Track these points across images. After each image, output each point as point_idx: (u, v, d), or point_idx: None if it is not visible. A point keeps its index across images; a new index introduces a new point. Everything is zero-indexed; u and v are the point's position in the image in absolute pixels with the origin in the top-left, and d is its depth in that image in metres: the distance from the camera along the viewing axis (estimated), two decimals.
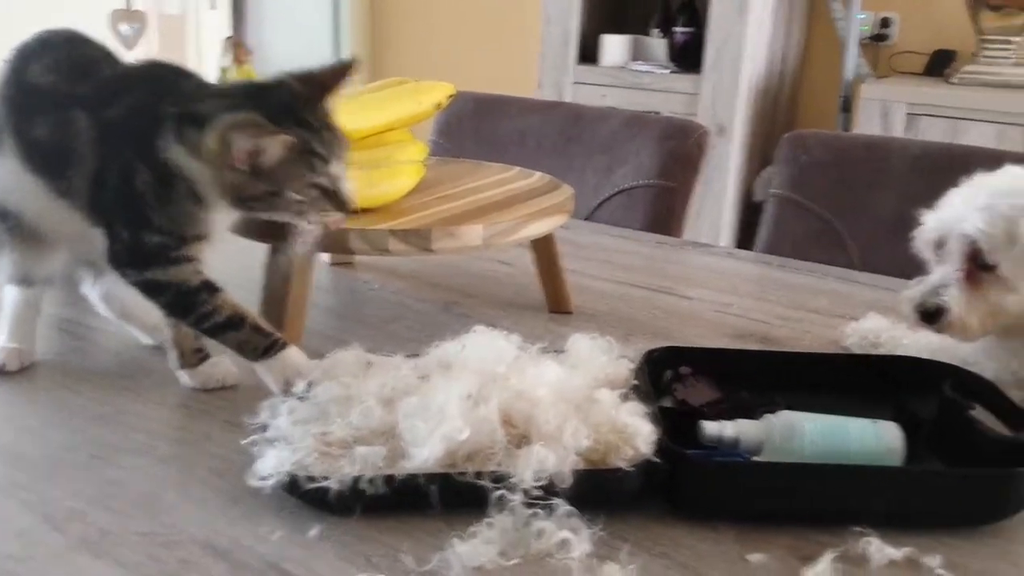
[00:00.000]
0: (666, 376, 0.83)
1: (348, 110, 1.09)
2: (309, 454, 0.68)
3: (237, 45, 0.91)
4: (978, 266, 0.86)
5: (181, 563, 0.62)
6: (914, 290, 0.89)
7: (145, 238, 0.81)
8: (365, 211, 0.99)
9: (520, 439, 0.70)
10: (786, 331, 1.07)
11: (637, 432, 0.69)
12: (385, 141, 1.13)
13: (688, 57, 3.01)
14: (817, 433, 0.72)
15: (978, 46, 2.65)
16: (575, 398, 0.73)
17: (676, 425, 0.73)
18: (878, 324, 1.02)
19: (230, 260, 1.00)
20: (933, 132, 2.50)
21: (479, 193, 1.10)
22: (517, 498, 0.66)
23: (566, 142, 1.73)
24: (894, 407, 0.79)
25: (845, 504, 0.69)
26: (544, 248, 1.12)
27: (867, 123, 2.58)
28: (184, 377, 0.88)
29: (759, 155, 3.03)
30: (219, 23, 3.70)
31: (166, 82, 0.84)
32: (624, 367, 0.81)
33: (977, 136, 2.42)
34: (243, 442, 0.73)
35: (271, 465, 0.68)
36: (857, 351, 1.00)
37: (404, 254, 0.96)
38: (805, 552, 0.66)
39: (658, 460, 0.68)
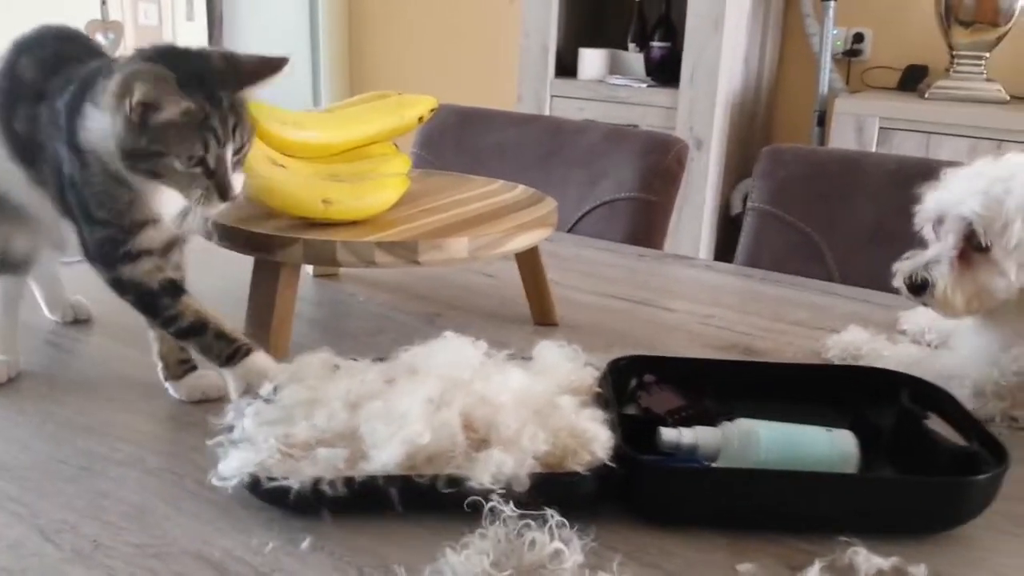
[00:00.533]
0: (632, 384, 0.85)
1: (332, 123, 1.10)
2: (271, 455, 0.69)
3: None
4: (972, 247, 0.88)
5: (175, 575, 0.62)
6: (906, 263, 0.91)
7: (95, 233, 0.83)
8: (351, 223, 1.00)
9: (480, 443, 0.71)
10: (768, 343, 1.09)
11: (594, 437, 0.71)
12: (369, 154, 1.13)
13: (665, 71, 3.03)
14: (772, 440, 0.74)
15: (950, 61, 2.69)
16: (537, 404, 0.74)
17: (638, 432, 0.75)
18: (859, 336, 1.04)
19: (216, 272, 1.00)
20: (907, 146, 2.54)
21: (464, 206, 1.11)
22: (508, 509, 0.67)
23: (547, 155, 1.74)
24: (855, 417, 0.81)
25: (797, 509, 0.71)
26: (529, 260, 1.13)
27: (841, 137, 2.62)
28: (170, 389, 0.89)
29: (736, 169, 3.06)
30: (195, 35, 3.69)
31: (102, 65, 0.83)
32: (589, 374, 0.83)
33: (950, 150, 2.46)
34: (209, 443, 0.73)
35: (234, 466, 0.69)
36: (838, 363, 1.01)
37: (390, 266, 0.96)
38: (794, 562, 0.66)
39: (613, 465, 0.70)
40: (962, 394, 0.91)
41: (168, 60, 0.78)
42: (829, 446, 0.74)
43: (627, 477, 0.70)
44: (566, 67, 3.16)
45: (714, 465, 0.75)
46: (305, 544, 0.66)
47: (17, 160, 0.87)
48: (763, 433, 0.74)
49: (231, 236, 0.97)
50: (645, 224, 1.60)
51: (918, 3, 2.88)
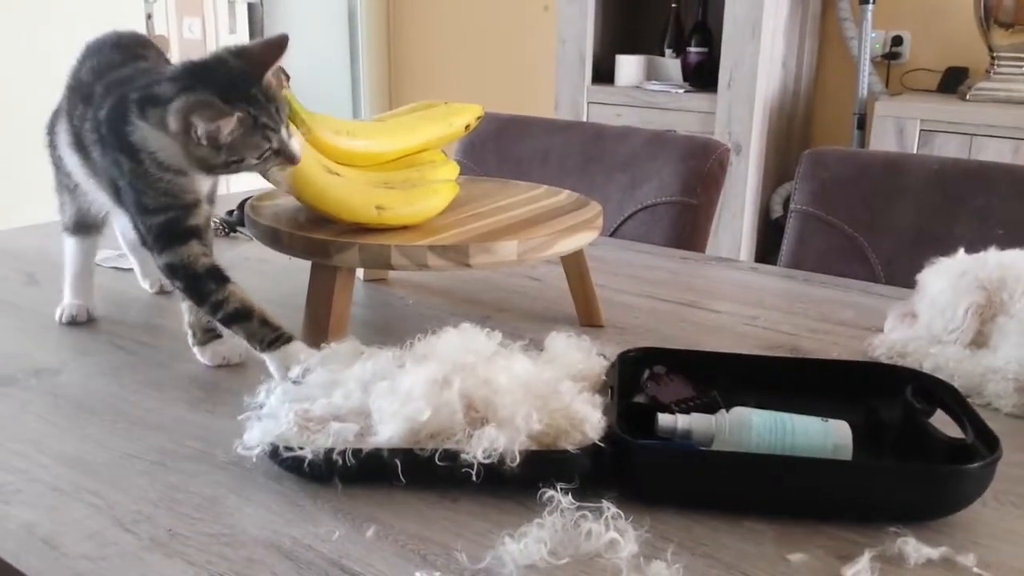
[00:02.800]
0: (645, 375, 0.88)
1: (384, 132, 1.13)
2: (290, 428, 0.75)
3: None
4: None
5: (247, 561, 0.65)
6: None
7: (151, 220, 0.94)
8: (403, 228, 1.03)
9: (481, 422, 0.75)
10: (814, 343, 1.10)
11: (586, 419, 0.75)
12: (419, 161, 1.16)
13: (702, 76, 3.05)
14: (764, 427, 0.76)
15: (990, 63, 2.68)
16: (538, 388, 0.78)
17: (641, 419, 0.79)
18: (905, 335, 1.05)
19: (275, 278, 1.04)
20: (948, 148, 2.53)
21: (510, 210, 1.14)
22: (566, 501, 0.69)
23: (587, 161, 1.77)
24: (864, 411, 0.83)
25: (783, 493, 0.73)
26: (575, 263, 1.15)
27: (882, 140, 2.61)
28: (197, 354, 1.00)
29: (775, 172, 3.06)
30: None
31: (133, 73, 0.95)
32: (598, 364, 0.87)
33: (994, 152, 2.45)
34: (239, 417, 0.80)
35: (256, 436, 0.76)
36: (885, 362, 1.02)
37: (442, 269, 0.99)
38: (844, 552, 0.68)
39: (603, 445, 0.73)
40: (1005, 389, 0.92)
41: (201, 81, 0.88)
42: (822, 435, 0.76)
43: (617, 457, 0.74)
44: (603, 74, 3.18)
45: (703, 449, 0.78)
46: (370, 532, 0.69)
47: (74, 148, 1.00)
48: (756, 420, 0.77)
49: (290, 242, 1.00)
50: (687, 228, 1.62)
51: (957, 5, 2.87)
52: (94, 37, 1.03)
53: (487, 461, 0.72)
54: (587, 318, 1.16)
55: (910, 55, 3.03)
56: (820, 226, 1.51)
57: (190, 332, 1.01)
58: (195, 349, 1.00)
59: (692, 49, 3.08)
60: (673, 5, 3.17)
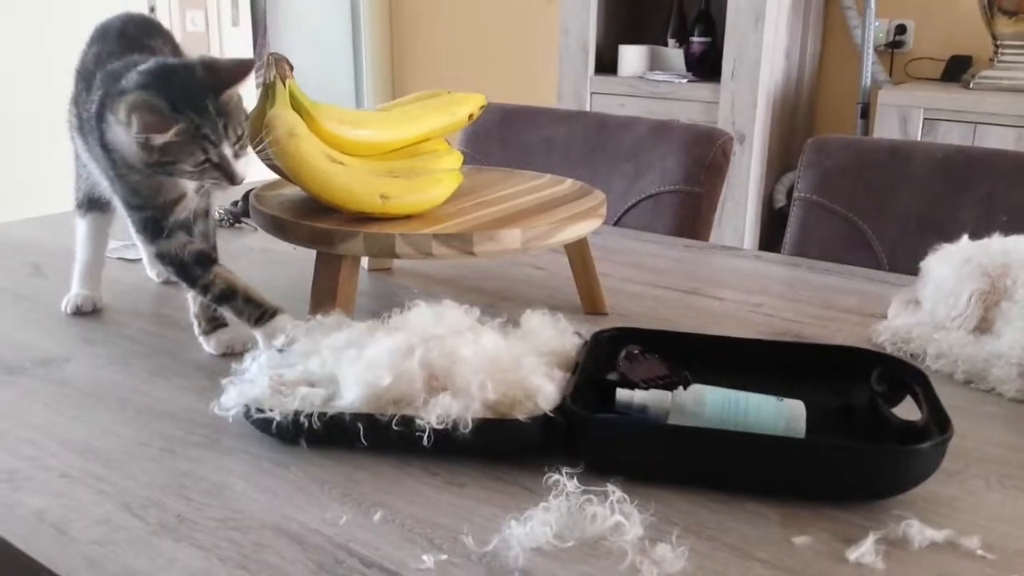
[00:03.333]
0: (622, 354, 0.89)
1: (388, 121, 1.13)
2: (264, 391, 0.79)
3: (279, 61, 0.95)
4: None
5: (256, 545, 0.65)
6: None
7: (136, 215, 0.99)
8: (407, 217, 1.03)
9: (441, 390, 0.78)
10: (818, 329, 1.10)
11: (539, 391, 0.77)
12: (422, 151, 1.16)
13: (705, 66, 3.04)
14: (717, 404, 0.77)
15: (994, 51, 2.67)
16: (503, 362, 0.80)
17: (607, 394, 0.82)
18: (909, 321, 1.05)
19: (280, 268, 1.04)
20: (951, 137, 2.52)
21: (514, 199, 1.14)
22: (572, 484, 0.70)
23: (591, 150, 1.77)
24: (834, 394, 0.84)
25: (732, 468, 0.74)
26: (579, 251, 1.15)
27: (885, 129, 2.61)
28: (203, 343, 1.02)
29: (778, 162, 3.06)
30: (241, 39, 3.76)
31: (124, 67, 0.95)
32: (570, 342, 0.89)
33: (997, 140, 2.44)
34: (223, 381, 0.83)
35: (232, 399, 0.80)
36: (889, 348, 1.03)
37: (447, 258, 0.99)
38: (848, 534, 0.68)
39: (554, 415, 0.76)
40: (1009, 374, 0.92)
41: (159, 82, 0.90)
42: (775, 413, 0.77)
43: (568, 428, 0.76)
44: (605, 64, 3.18)
45: (646, 421, 0.80)
46: (377, 516, 0.69)
47: (79, 133, 1.04)
48: (710, 397, 0.78)
49: (295, 231, 1.01)
50: (691, 217, 1.62)
51: None
52: (105, 19, 1.05)
53: (440, 427, 0.75)
54: (591, 306, 1.16)
55: (913, 44, 3.02)
56: (824, 214, 1.51)
57: (195, 321, 1.02)
58: (201, 339, 1.02)
59: (695, 39, 3.08)
60: None
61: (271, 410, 0.77)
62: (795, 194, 1.55)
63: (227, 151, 0.92)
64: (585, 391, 0.80)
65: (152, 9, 3.42)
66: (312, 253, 1.02)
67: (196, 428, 0.83)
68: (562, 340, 0.89)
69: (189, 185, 0.96)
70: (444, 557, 0.65)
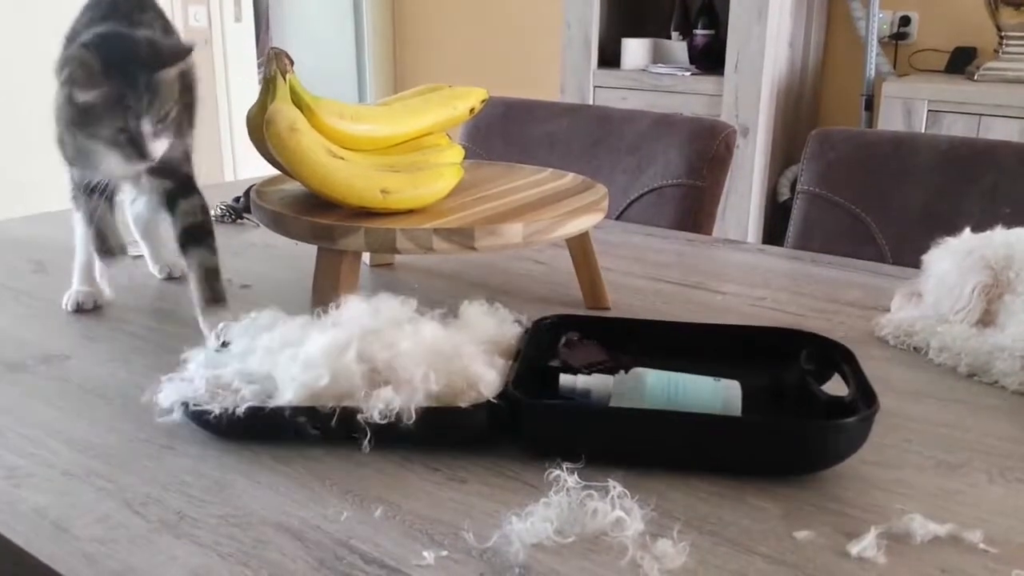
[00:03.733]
0: (562, 341, 0.91)
1: (388, 116, 1.13)
2: (198, 390, 0.81)
3: (279, 55, 0.95)
4: None
5: (257, 542, 0.65)
6: None
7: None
8: (408, 212, 1.03)
9: (383, 384, 0.78)
10: (821, 322, 1.10)
11: (481, 379, 0.79)
12: (424, 145, 1.16)
13: (708, 59, 3.04)
14: (657, 386, 0.79)
15: (999, 43, 2.66)
16: (442, 352, 0.81)
17: (548, 381, 0.84)
18: (912, 314, 1.04)
19: (281, 263, 1.04)
20: (956, 129, 2.52)
21: (515, 194, 1.14)
22: (572, 480, 0.70)
23: (594, 144, 1.76)
24: (768, 374, 0.86)
25: (671, 448, 0.76)
26: (580, 246, 1.15)
27: (890, 121, 2.60)
28: (200, 321, 1.03)
29: (782, 155, 3.05)
30: (244, 35, 3.76)
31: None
32: (511, 330, 0.90)
33: (1002, 132, 2.44)
34: (163, 378, 0.84)
35: (170, 397, 0.81)
36: (892, 341, 1.02)
37: (447, 252, 0.99)
38: (850, 528, 0.68)
39: (497, 402, 0.77)
40: (1012, 367, 0.92)
41: (101, 46, 0.92)
42: (712, 393, 0.79)
43: (510, 414, 0.77)
44: (608, 57, 3.17)
45: (586, 405, 0.82)
46: (378, 513, 0.69)
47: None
48: (650, 380, 0.79)
49: (295, 226, 1.00)
50: (694, 210, 1.62)
51: None
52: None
53: (383, 422, 0.75)
54: (593, 300, 1.16)
55: (917, 35, 3.01)
56: (827, 207, 1.50)
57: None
58: (199, 318, 1.03)
59: (698, 32, 3.07)
60: None
61: (207, 407, 0.78)
62: (798, 187, 1.54)
63: (146, 127, 0.94)
64: (527, 378, 0.81)
65: None
66: (314, 249, 1.02)
67: (198, 426, 0.82)
68: (502, 329, 0.90)
69: (109, 163, 0.97)
70: (445, 553, 0.64)
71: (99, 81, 0.91)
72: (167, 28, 1.08)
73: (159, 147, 0.96)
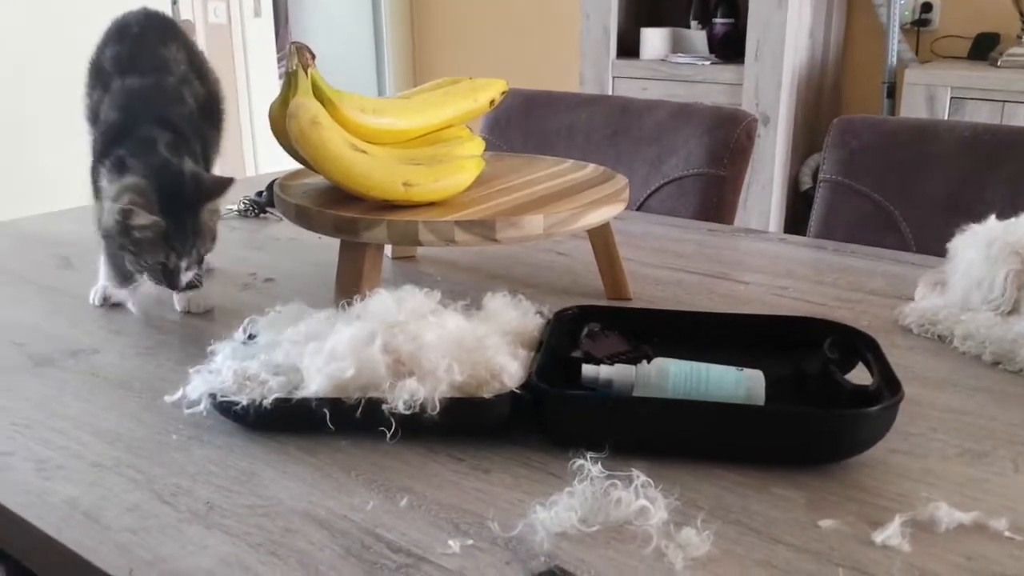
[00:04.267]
0: (584, 331, 0.91)
1: (409, 109, 1.13)
2: (227, 383, 0.81)
3: (301, 50, 0.95)
4: None
5: (285, 531, 0.66)
6: None
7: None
8: (429, 205, 1.03)
9: (408, 375, 0.79)
10: (845, 312, 1.09)
11: (504, 369, 0.79)
12: (445, 137, 1.16)
13: (728, 48, 3.02)
14: (680, 376, 0.79)
15: (1022, 28, 2.63)
16: (467, 343, 0.82)
17: (572, 371, 0.83)
18: (935, 303, 1.04)
19: (304, 257, 1.05)
20: (979, 115, 2.49)
21: (536, 185, 1.14)
22: (596, 469, 0.70)
23: (614, 134, 1.76)
24: (791, 363, 0.86)
25: (696, 437, 0.76)
26: (601, 237, 1.15)
27: (912, 108, 2.58)
28: (175, 300, 1.09)
29: (804, 143, 3.03)
30: (263, 30, 3.77)
31: (144, 98, 1.06)
32: (533, 321, 0.91)
33: None
34: (191, 370, 0.85)
35: (197, 389, 0.83)
36: (916, 330, 1.02)
37: (469, 244, 0.99)
38: (875, 517, 0.68)
39: (521, 392, 0.78)
40: None
41: (156, 179, 0.99)
42: (735, 383, 0.78)
43: (534, 404, 0.77)
44: (627, 47, 3.16)
45: (611, 395, 0.81)
46: (404, 502, 0.70)
47: (88, 121, 1.08)
48: (673, 370, 0.79)
49: (319, 219, 1.01)
50: (715, 200, 1.61)
51: None
52: (123, 16, 1.08)
53: (408, 412, 0.76)
54: (614, 291, 1.16)
55: (939, 22, 2.98)
56: (850, 195, 1.50)
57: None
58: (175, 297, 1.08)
59: (718, 20, 3.06)
60: None
61: (234, 398, 0.79)
62: (820, 175, 1.53)
63: (183, 264, 1.01)
64: (550, 369, 0.82)
65: (175, 1, 3.44)
66: (336, 242, 1.03)
67: (224, 416, 0.83)
68: (524, 320, 0.91)
69: (139, 272, 1.03)
70: (470, 542, 0.65)
71: (153, 216, 0.97)
72: (192, 58, 1.11)
73: (187, 277, 1.04)
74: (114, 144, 1.02)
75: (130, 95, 1.06)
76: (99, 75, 1.07)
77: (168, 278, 1.01)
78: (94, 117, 1.08)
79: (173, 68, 1.10)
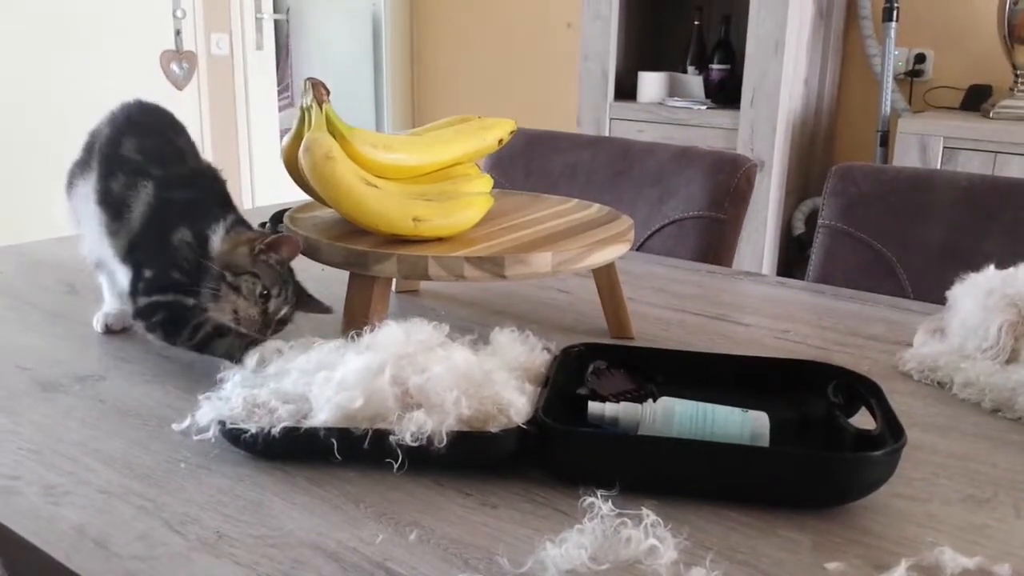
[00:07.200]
0: (590, 369, 0.92)
1: (420, 145, 1.15)
2: (236, 410, 0.82)
3: (316, 86, 0.97)
4: None
5: (294, 563, 0.66)
6: None
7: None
8: (438, 240, 1.04)
9: (415, 407, 0.80)
10: (845, 356, 1.11)
11: (511, 405, 0.80)
12: (453, 175, 1.18)
13: (724, 93, 3.06)
14: (686, 416, 0.80)
15: (1014, 81, 2.68)
16: (474, 377, 0.82)
17: (577, 409, 0.84)
18: (936, 349, 1.05)
19: (313, 287, 1.06)
20: (972, 166, 2.53)
21: (542, 223, 1.15)
22: (606, 508, 0.70)
23: (615, 175, 1.78)
24: (793, 406, 0.87)
25: (698, 477, 0.77)
26: (606, 276, 1.16)
27: (905, 157, 2.62)
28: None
29: (798, 188, 3.07)
30: (265, 63, 3.81)
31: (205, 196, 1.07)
32: (540, 357, 0.92)
33: (1017, 169, 2.45)
34: (200, 396, 0.86)
35: (206, 415, 0.84)
36: (916, 376, 1.03)
37: (478, 280, 1.00)
38: (880, 561, 0.69)
39: (527, 427, 0.78)
40: None
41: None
42: (740, 424, 0.79)
43: (540, 440, 0.78)
44: (625, 90, 3.20)
45: (616, 433, 0.82)
46: (413, 536, 0.70)
47: (101, 206, 1.05)
48: (679, 409, 0.80)
49: (329, 252, 1.02)
50: (714, 242, 1.63)
51: (980, 23, 2.87)
52: (117, 108, 1.10)
53: (415, 444, 0.77)
54: (618, 330, 1.17)
55: (933, 72, 3.03)
56: (848, 241, 1.52)
57: None
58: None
59: (714, 66, 3.10)
60: (696, 23, 3.20)
61: (243, 425, 0.80)
62: (820, 221, 1.55)
63: (278, 310, 1.00)
64: (556, 405, 0.83)
65: (178, 32, 3.47)
66: (342, 273, 1.04)
67: (232, 446, 0.84)
68: (532, 356, 0.92)
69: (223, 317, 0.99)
70: None
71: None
72: (195, 148, 1.13)
73: (269, 332, 1.01)
74: (197, 219, 1.02)
75: (186, 180, 1.06)
76: (113, 162, 1.06)
77: (264, 320, 0.99)
78: (105, 200, 1.05)
79: (191, 159, 1.11)
